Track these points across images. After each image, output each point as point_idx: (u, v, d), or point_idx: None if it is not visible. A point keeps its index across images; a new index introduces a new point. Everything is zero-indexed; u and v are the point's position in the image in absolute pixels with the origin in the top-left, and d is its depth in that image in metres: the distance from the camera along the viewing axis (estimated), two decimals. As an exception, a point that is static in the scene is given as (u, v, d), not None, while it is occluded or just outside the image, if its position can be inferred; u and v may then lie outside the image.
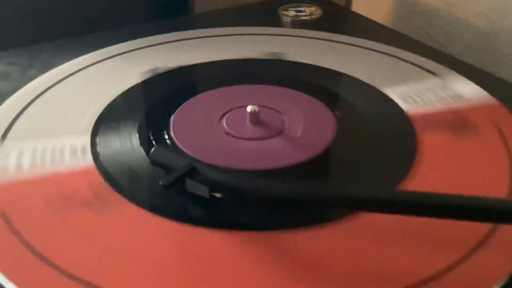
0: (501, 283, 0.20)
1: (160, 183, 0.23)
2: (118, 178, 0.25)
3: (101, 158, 0.27)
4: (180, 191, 0.24)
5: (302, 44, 0.39)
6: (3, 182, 0.25)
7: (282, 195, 0.22)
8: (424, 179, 0.26)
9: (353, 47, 0.39)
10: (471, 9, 0.46)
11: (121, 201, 0.24)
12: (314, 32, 0.41)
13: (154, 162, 0.25)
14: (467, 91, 0.33)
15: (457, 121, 0.30)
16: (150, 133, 0.29)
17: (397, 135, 0.29)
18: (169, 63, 0.36)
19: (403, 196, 0.21)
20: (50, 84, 0.33)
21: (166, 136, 0.28)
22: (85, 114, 0.30)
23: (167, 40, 0.39)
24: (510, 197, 0.24)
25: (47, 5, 0.45)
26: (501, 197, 0.24)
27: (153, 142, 0.28)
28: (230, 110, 0.31)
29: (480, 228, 0.22)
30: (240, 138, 0.28)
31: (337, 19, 0.46)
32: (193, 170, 0.23)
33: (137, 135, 0.29)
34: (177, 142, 0.28)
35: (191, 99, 0.32)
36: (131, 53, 0.37)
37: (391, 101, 0.32)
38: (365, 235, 0.22)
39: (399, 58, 0.37)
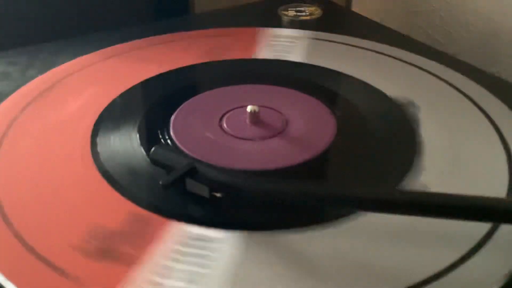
0: (501, 283, 0.20)
1: (160, 182, 0.23)
2: (118, 178, 0.25)
3: (101, 158, 0.27)
4: (180, 191, 0.24)
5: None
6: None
7: (282, 195, 0.22)
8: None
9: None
10: (471, 9, 0.46)
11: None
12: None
13: (154, 162, 0.25)
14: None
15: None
16: (150, 133, 0.29)
17: (397, 135, 0.29)
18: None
19: (403, 196, 0.21)
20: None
21: (166, 136, 0.28)
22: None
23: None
24: (510, 197, 0.24)
25: (47, 5, 0.45)
26: (501, 197, 0.24)
27: (153, 142, 0.28)
28: (230, 110, 0.31)
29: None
30: (240, 138, 0.28)
31: (337, 19, 0.46)
32: (193, 170, 0.23)
33: (137, 135, 0.29)
34: (177, 142, 0.28)
35: (191, 99, 0.32)
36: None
37: (391, 101, 0.32)
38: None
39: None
